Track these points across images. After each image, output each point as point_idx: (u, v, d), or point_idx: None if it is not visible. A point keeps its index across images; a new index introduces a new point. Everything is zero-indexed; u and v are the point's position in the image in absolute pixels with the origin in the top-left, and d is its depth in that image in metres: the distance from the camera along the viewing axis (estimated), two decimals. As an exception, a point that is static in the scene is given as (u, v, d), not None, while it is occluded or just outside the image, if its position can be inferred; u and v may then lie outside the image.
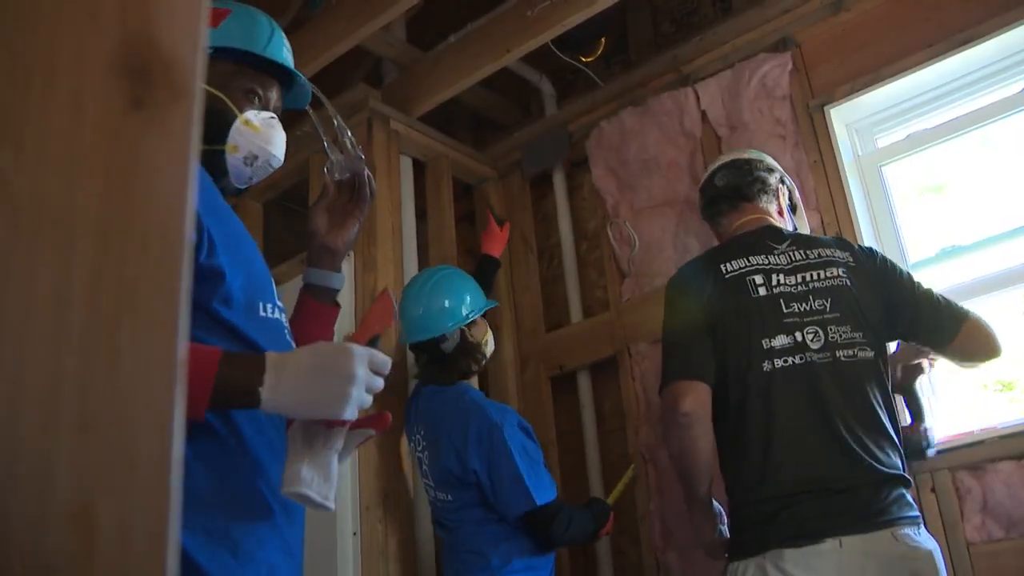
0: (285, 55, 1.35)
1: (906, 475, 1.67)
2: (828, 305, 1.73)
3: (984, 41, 2.24)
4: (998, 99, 2.33)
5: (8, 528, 0.34)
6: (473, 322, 2.32)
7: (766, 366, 1.68)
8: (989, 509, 1.98)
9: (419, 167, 3.01)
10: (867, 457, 1.62)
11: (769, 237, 1.87)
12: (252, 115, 1.28)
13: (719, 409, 1.76)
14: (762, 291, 1.75)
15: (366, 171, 1.37)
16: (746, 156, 2.08)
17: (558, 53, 3.00)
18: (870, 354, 1.73)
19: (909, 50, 2.35)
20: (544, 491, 2.08)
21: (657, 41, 3.08)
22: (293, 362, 1.01)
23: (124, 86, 0.39)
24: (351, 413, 1.02)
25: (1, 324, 0.35)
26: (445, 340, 2.27)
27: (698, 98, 2.69)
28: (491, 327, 2.42)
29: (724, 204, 2.01)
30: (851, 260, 1.82)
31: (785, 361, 1.68)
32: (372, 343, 1.12)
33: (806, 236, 1.92)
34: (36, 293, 0.36)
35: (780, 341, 1.70)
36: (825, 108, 2.46)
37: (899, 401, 2.04)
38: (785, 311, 1.72)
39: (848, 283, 1.77)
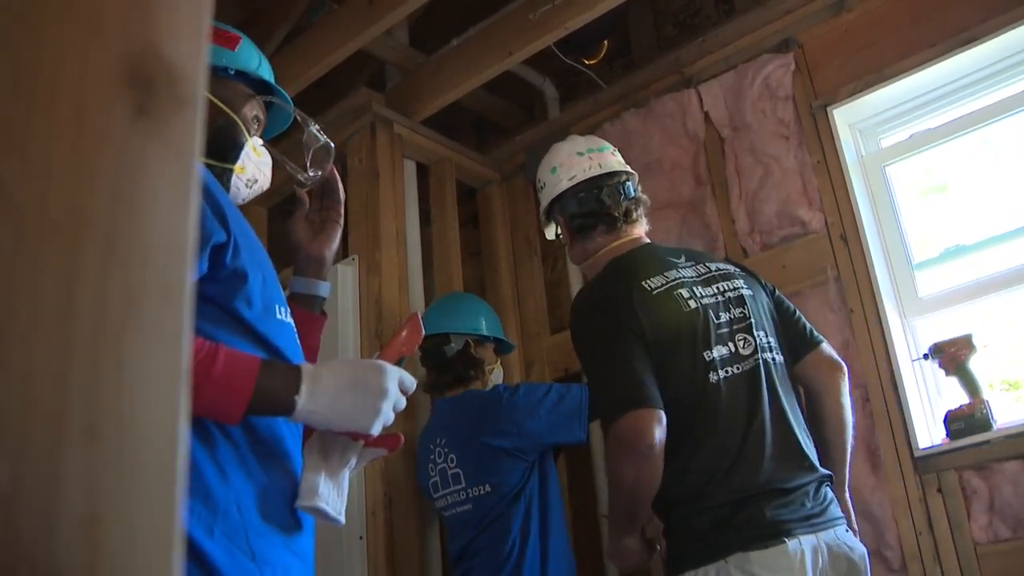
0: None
1: (831, 474, 1.67)
2: (746, 313, 1.73)
3: (987, 41, 2.24)
4: (1001, 98, 2.33)
5: (15, 537, 0.34)
6: (482, 344, 2.33)
7: (712, 377, 1.64)
8: (996, 509, 1.97)
9: (423, 171, 3.02)
10: (808, 457, 1.63)
11: (665, 253, 1.85)
12: (256, 141, 1.34)
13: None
14: (692, 304, 1.70)
15: (335, 172, 1.40)
16: (627, 168, 2.02)
17: (561, 56, 3.00)
18: (783, 358, 1.75)
19: (912, 50, 2.35)
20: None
21: (659, 43, 3.08)
22: (328, 374, 1.04)
23: (127, 95, 0.39)
24: (378, 428, 1.05)
25: (7, 333, 0.35)
26: (449, 343, 2.27)
27: (701, 99, 2.69)
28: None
29: (604, 224, 1.92)
30: (741, 272, 1.84)
31: (726, 372, 1.65)
32: (399, 364, 1.13)
33: (695, 251, 1.91)
34: (41, 302, 0.36)
35: (719, 352, 1.67)
36: (828, 108, 2.45)
37: (953, 383, 2.04)
38: (717, 322, 1.70)
39: (751, 292, 1.78)
